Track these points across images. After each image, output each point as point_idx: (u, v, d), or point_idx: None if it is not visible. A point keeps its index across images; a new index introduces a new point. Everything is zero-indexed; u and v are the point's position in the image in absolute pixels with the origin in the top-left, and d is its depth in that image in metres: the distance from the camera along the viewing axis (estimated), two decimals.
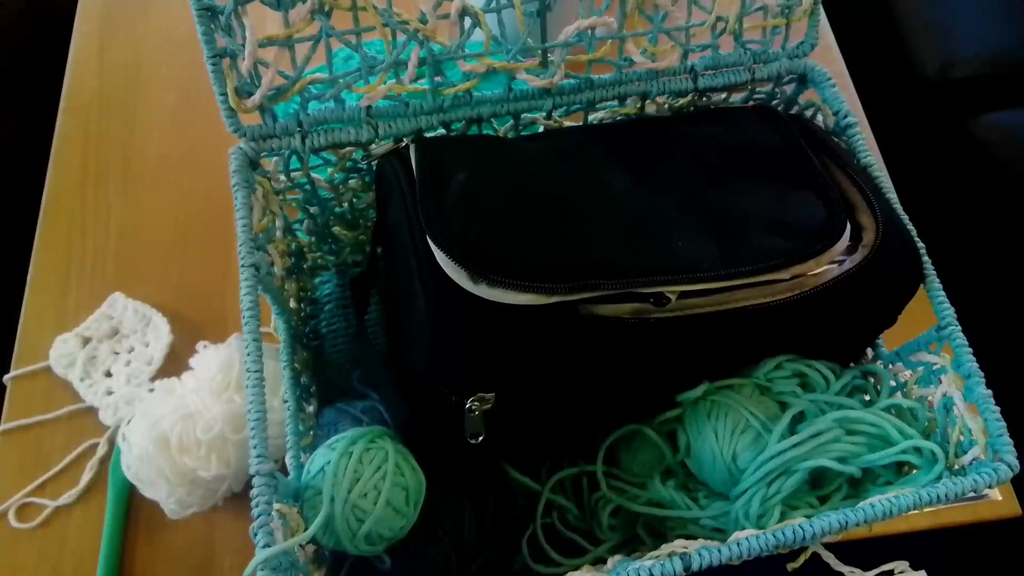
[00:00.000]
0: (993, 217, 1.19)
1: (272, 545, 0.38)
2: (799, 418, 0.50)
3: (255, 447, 0.41)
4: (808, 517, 0.48)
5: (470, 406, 0.44)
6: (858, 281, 0.46)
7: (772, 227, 0.47)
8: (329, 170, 0.56)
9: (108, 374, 0.63)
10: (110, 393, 0.62)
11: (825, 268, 0.46)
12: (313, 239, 0.63)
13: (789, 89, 0.59)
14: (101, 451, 0.61)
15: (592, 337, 0.44)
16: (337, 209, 0.60)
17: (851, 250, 0.47)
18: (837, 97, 0.55)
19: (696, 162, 0.51)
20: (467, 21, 0.49)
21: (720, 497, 0.52)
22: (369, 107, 0.51)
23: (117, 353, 0.64)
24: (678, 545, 0.45)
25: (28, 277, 0.67)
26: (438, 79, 0.51)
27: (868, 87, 0.94)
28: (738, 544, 0.41)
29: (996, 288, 1.21)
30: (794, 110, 0.60)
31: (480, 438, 0.46)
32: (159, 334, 0.63)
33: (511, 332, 0.43)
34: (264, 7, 0.46)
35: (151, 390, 0.57)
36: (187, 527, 0.58)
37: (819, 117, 0.57)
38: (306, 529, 0.43)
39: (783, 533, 0.41)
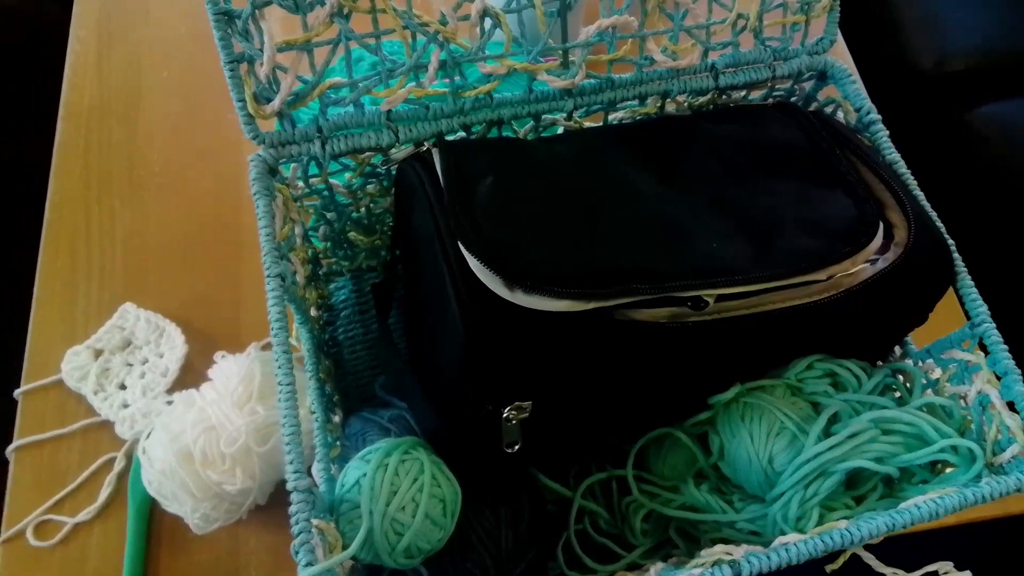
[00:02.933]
0: (991, 207, 1.20)
1: (314, 563, 0.37)
2: (833, 419, 0.49)
3: (291, 462, 0.40)
4: (847, 518, 0.48)
5: (507, 415, 0.43)
6: (893, 280, 0.46)
7: (803, 226, 0.46)
8: (347, 175, 0.55)
9: (122, 386, 0.62)
10: (126, 406, 0.60)
11: (860, 268, 0.46)
12: (329, 245, 0.62)
13: (808, 86, 0.58)
14: (118, 466, 0.59)
15: (629, 342, 0.43)
16: (354, 214, 0.59)
17: (884, 248, 0.47)
18: (859, 94, 0.55)
19: (720, 161, 0.50)
20: (487, 22, 0.49)
21: (755, 500, 0.51)
22: (389, 111, 0.50)
23: (130, 365, 0.62)
24: (720, 550, 0.44)
25: (35, 289, 0.66)
26: (458, 81, 0.50)
27: (865, 81, 0.94)
28: (787, 549, 0.40)
29: (994, 279, 1.22)
30: (812, 107, 0.59)
31: (516, 447, 0.45)
32: (173, 344, 0.62)
33: (548, 339, 0.42)
34: (282, 11, 0.45)
35: (169, 402, 0.56)
36: (211, 541, 0.57)
37: (839, 114, 0.57)
38: (344, 544, 0.42)
39: (831, 537, 0.41)
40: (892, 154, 0.53)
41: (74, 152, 0.72)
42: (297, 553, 0.37)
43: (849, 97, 0.55)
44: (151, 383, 0.61)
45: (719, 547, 0.45)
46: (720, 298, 0.43)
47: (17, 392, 0.61)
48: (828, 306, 0.45)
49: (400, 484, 0.43)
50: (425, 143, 0.51)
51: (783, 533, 0.49)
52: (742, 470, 0.50)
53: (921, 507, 0.42)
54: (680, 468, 0.55)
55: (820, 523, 0.48)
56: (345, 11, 0.46)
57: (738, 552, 0.43)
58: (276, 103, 0.47)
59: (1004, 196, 1.17)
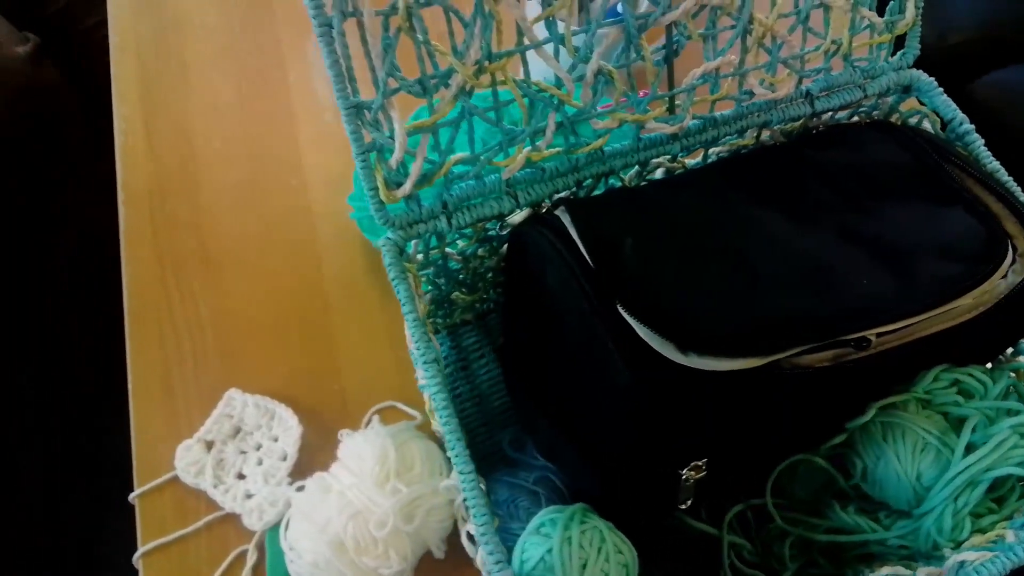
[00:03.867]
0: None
1: None
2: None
3: (491, 553, 0.40)
4: (995, 523, 0.50)
5: (686, 476, 0.44)
6: None
7: (937, 250, 0.47)
8: (461, 243, 0.54)
9: (241, 476, 0.60)
10: (249, 496, 0.59)
11: (996, 283, 0.47)
12: (432, 306, 0.61)
13: (890, 99, 0.59)
14: (251, 559, 0.58)
15: (796, 388, 0.44)
16: (460, 276, 0.59)
17: (1011, 261, 0.48)
18: (948, 104, 0.56)
19: (835, 190, 0.51)
20: (600, 80, 0.49)
21: (901, 515, 0.53)
22: (508, 178, 0.50)
23: (244, 452, 0.61)
24: (887, 571, 0.45)
25: (129, 386, 0.64)
26: (571, 139, 0.51)
27: None
28: (976, 571, 0.42)
29: None
30: (893, 117, 0.60)
31: (689, 503, 0.46)
32: (287, 427, 0.61)
33: (722, 397, 0.42)
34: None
35: (300, 487, 0.55)
36: None
37: (925, 124, 0.58)
38: None
39: (1015, 553, 0.42)
40: (992, 163, 0.54)
41: (141, 236, 0.69)
42: None
43: (938, 108, 0.56)
44: (271, 469, 0.60)
45: (885, 569, 0.47)
46: (879, 334, 0.44)
47: (132, 496, 0.60)
48: (974, 325, 0.46)
49: (588, 556, 0.44)
50: (543, 204, 0.51)
51: (936, 545, 0.50)
52: (891, 489, 0.51)
53: None
54: (816, 491, 0.56)
55: (972, 531, 0.50)
56: (468, 88, 0.46)
57: None
58: (408, 187, 0.46)
59: (1012, 158, 1.20)
